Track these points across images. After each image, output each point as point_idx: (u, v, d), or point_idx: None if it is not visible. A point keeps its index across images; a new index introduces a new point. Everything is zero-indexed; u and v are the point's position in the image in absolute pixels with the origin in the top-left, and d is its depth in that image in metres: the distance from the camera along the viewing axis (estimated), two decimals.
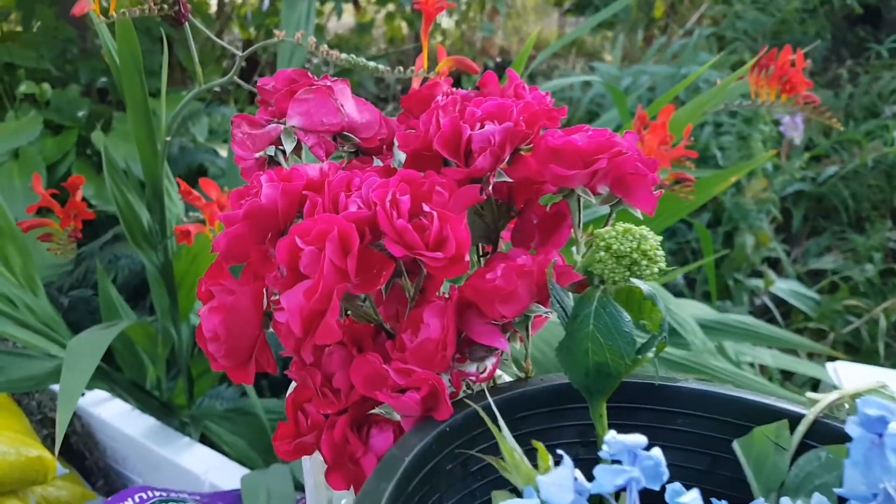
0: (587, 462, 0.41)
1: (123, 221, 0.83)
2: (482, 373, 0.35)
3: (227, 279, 0.34)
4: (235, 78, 0.59)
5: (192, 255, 0.98)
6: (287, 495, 0.96)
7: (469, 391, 0.37)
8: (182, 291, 1.03)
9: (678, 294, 1.93)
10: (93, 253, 1.43)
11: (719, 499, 0.40)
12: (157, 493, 0.98)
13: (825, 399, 0.38)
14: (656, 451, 0.28)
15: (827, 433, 0.37)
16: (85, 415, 1.08)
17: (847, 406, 0.39)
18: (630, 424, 0.40)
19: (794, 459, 0.37)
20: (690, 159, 0.87)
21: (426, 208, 0.33)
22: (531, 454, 0.38)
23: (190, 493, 0.99)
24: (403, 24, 2.57)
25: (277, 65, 1.14)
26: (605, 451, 0.28)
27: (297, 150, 0.41)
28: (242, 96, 1.89)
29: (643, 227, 0.35)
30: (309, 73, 0.44)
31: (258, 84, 0.44)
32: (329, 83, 0.41)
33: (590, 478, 0.41)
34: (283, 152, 0.43)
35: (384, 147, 0.46)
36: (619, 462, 0.29)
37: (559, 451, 0.40)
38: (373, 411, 0.35)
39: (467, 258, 0.33)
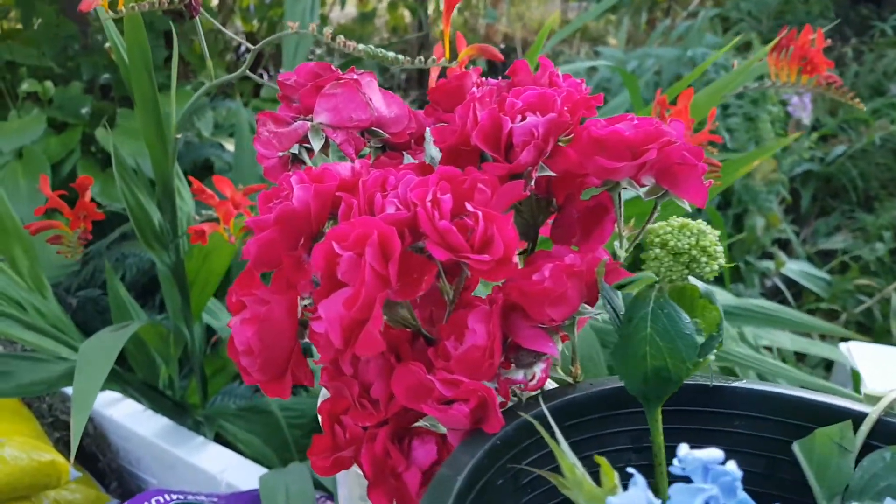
0: (640, 468, 0.39)
1: (134, 221, 0.81)
2: (531, 380, 0.33)
3: (259, 288, 0.32)
4: (247, 72, 0.56)
5: (205, 254, 0.96)
6: (307, 495, 0.94)
7: (516, 399, 0.35)
8: (194, 290, 1.02)
9: None
10: (100, 252, 1.41)
11: (778, 501, 0.39)
12: (174, 496, 0.96)
13: (888, 396, 0.36)
14: (732, 466, 0.26)
15: (891, 432, 0.35)
16: (97, 416, 1.07)
17: None
18: (684, 428, 0.38)
19: (857, 461, 0.35)
20: (712, 143, 0.85)
21: (469, 208, 0.31)
22: (583, 463, 0.37)
23: (207, 495, 0.98)
24: (406, 14, 2.54)
25: (283, 57, 1.12)
26: (677, 466, 0.27)
27: (325, 147, 0.39)
28: (247, 89, 1.87)
29: (700, 221, 0.33)
30: (333, 66, 0.42)
31: (279, 79, 0.42)
32: (356, 76, 0.39)
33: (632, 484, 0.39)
34: (308, 150, 0.40)
35: (412, 141, 0.43)
36: (689, 478, 0.27)
37: (619, 464, 0.39)
38: (417, 424, 0.33)
39: (515, 259, 0.31)
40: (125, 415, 1.06)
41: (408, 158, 0.41)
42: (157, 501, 0.96)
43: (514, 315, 0.34)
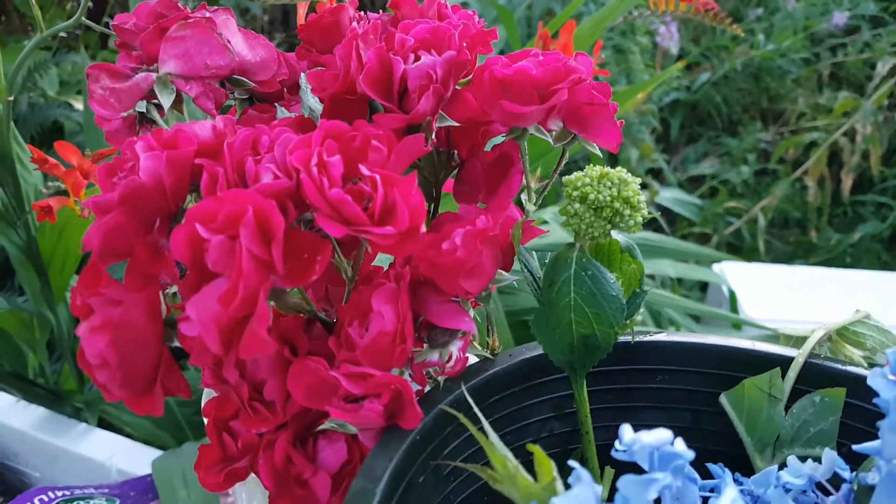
0: (562, 436, 0.37)
1: None
2: (447, 361, 0.29)
3: (108, 286, 0.26)
4: (83, 20, 0.47)
5: (58, 230, 0.85)
6: None
7: (432, 381, 0.31)
8: (53, 270, 0.91)
9: None
10: None
11: (705, 456, 0.37)
12: (60, 493, 0.88)
13: (811, 338, 0.35)
14: (681, 446, 0.23)
15: (818, 375, 0.34)
16: None
17: (830, 342, 0.36)
18: (605, 389, 0.35)
19: (786, 408, 0.34)
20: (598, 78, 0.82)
21: (365, 171, 0.26)
22: (508, 439, 0.33)
23: (97, 487, 0.90)
24: None
25: (129, 2, 1.00)
26: (621, 453, 0.23)
27: (178, 103, 0.32)
28: (94, 41, 1.68)
29: (620, 168, 0.30)
30: (179, 4, 0.35)
31: (114, 23, 0.34)
32: (209, 14, 0.32)
33: (563, 455, 0.36)
34: (158, 107, 0.34)
35: (285, 90, 0.37)
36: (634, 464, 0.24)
37: (543, 434, 0.36)
38: (322, 427, 0.28)
39: (422, 229, 0.26)
40: None
41: (282, 111, 0.35)
42: (41, 500, 0.87)
43: (423, 290, 0.30)
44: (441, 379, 0.30)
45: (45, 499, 0.86)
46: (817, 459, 0.33)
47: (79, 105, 1.52)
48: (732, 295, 1.50)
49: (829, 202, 2.24)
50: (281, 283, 0.26)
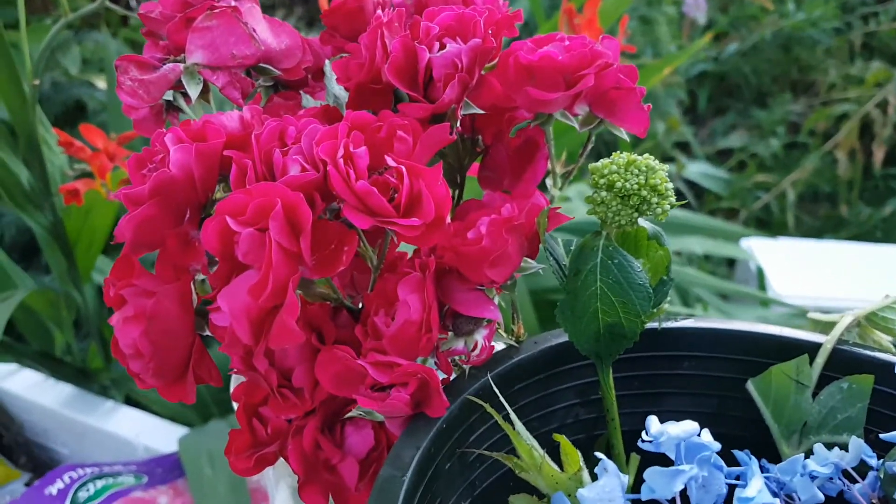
0: (587, 422, 0.37)
1: None
2: (473, 349, 0.30)
3: (140, 277, 0.27)
4: (107, 2, 0.48)
5: (85, 211, 0.87)
6: None
7: (457, 368, 0.31)
8: (79, 250, 0.92)
9: None
10: None
11: (731, 441, 0.37)
12: (89, 470, 0.90)
13: (840, 324, 0.35)
14: (707, 437, 0.23)
15: (846, 361, 0.34)
16: None
17: (859, 327, 0.36)
18: (631, 376, 0.35)
19: (813, 394, 0.34)
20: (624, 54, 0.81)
21: (390, 162, 0.26)
22: (528, 428, 0.34)
23: (125, 464, 0.93)
24: None
25: None
26: (648, 444, 0.24)
27: (204, 92, 0.32)
28: (115, 19, 1.69)
29: (647, 155, 0.29)
30: None
31: (141, 12, 0.35)
32: (234, 2, 0.32)
33: (588, 442, 0.36)
34: (184, 95, 0.34)
35: (309, 77, 0.37)
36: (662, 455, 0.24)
37: (568, 420, 0.36)
38: (350, 414, 0.29)
39: (447, 220, 0.26)
40: (24, 386, 0.98)
41: (307, 99, 0.35)
42: (71, 478, 0.90)
43: (448, 278, 0.30)
44: (466, 367, 0.30)
45: (74, 476, 0.89)
46: (844, 446, 0.32)
47: (102, 84, 1.53)
48: (760, 271, 1.48)
49: (860, 176, 2.20)
50: (309, 274, 0.26)
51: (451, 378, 0.30)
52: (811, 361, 0.34)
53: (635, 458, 0.34)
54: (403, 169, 0.26)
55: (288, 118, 0.29)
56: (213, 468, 0.90)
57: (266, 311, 0.25)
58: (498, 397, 0.30)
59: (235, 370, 0.31)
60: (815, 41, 2.41)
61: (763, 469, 0.33)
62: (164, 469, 0.91)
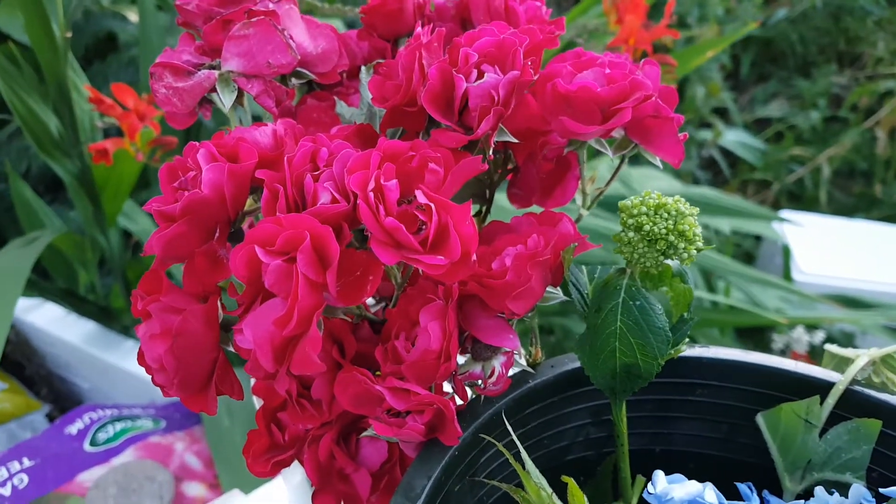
0: (598, 440, 0.38)
1: (28, 131, 0.72)
2: (490, 376, 0.30)
3: (168, 293, 0.27)
4: None
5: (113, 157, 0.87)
6: (248, 405, 0.93)
7: (471, 392, 0.32)
8: (106, 196, 0.94)
9: (631, 159, 1.91)
10: None
11: (737, 468, 0.38)
12: (109, 412, 0.93)
13: (854, 365, 0.35)
14: (710, 497, 0.24)
15: (856, 402, 0.34)
16: (17, 322, 1.01)
17: (873, 365, 0.36)
18: (643, 399, 0.36)
19: (822, 430, 0.34)
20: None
21: (421, 198, 0.26)
22: (538, 446, 0.34)
23: (143, 407, 0.95)
24: None
25: None
26: (652, 495, 0.24)
27: (238, 97, 0.32)
28: None
29: (678, 198, 0.29)
30: None
31: (178, 3, 0.34)
32: (272, 5, 0.32)
33: (598, 459, 0.37)
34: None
35: (343, 76, 0.37)
36: None
37: (579, 438, 0.37)
38: (365, 434, 0.30)
39: (473, 258, 0.26)
40: (47, 320, 1.01)
41: (340, 105, 0.35)
42: (91, 419, 0.93)
43: (470, 304, 0.30)
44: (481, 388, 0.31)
45: (95, 416, 0.92)
46: (845, 485, 0.33)
47: (133, 17, 1.52)
48: (786, 249, 1.47)
49: None
50: (333, 302, 0.27)
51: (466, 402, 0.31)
52: (822, 400, 0.34)
53: (640, 481, 0.34)
54: (433, 207, 0.26)
55: (321, 138, 0.29)
56: (230, 418, 0.92)
57: (289, 339, 0.26)
58: (510, 421, 0.31)
59: (255, 391, 0.32)
60: (866, 12, 2.32)
61: (765, 501, 0.33)
62: (183, 415, 0.93)
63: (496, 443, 0.27)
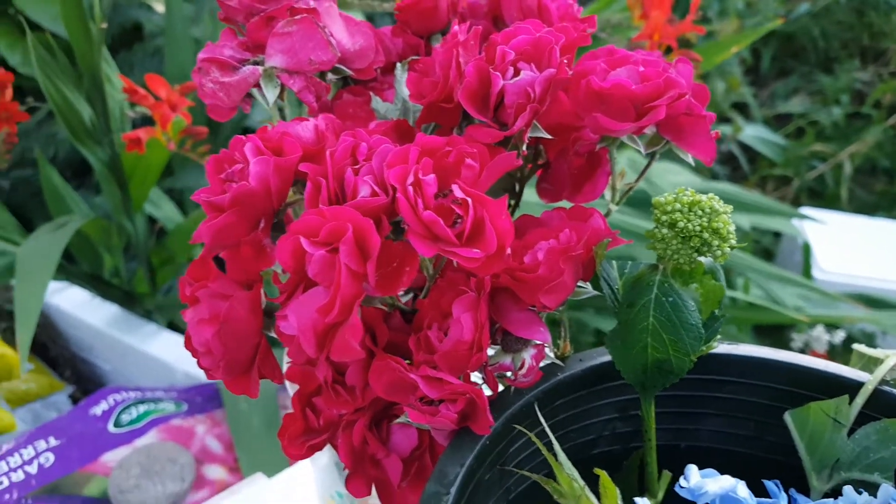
0: (624, 435, 0.38)
1: (62, 118, 0.73)
2: (520, 368, 0.31)
3: (215, 280, 0.28)
4: None
5: None
6: (268, 389, 0.94)
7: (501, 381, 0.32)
8: (133, 183, 0.95)
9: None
10: (27, 131, 1.30)
11: (763, 465, 0.38)
12: (132, 394, 0.95)
13: (884, 364, 0.35)
14: (743, 492, 0.24)
15: (886, 402, 0.34)
16: (43, 305, 1.03)
17: None
18: (671, 395, 0.36)
19: (850, 430, 0.34)
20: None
21: (458, 193, 0.27)
22: (565, 439, 0.35)
23: (166, 390, 0.97)
24: None
25: None
26: (684, 489, 0.25)
27: (280, 92, 0.33)
28: None
29: (712, 196, 0.30)
30: None
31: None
32: (313, 3, 0.33)
33: (623, 454, 0.38)
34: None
35: (378, 72, 0.38)
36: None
37: (605, 432, 0.37)
38: (398, 421, 0.31)
39: (508, 251, 0.27)
40: (73, 303, 1.02)
41: (375, 100, 0.35)
42: (115, 400, 0.94)
43: (501, 296, 0.31)
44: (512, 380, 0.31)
45: (119, 398, 0.93)
46: (872, 485, 0.33)
47: (160, 7, 1.53)
48: (806, 247, 1.46)
49: None
50: (371, 292, 0.27)
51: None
52: (851, 399, 0.34)
53: (666, 476, 0.35)
54: (470, 201, 0.26)
55: (360, 133, 0.29)
56: (248, 403, 0.93)
57: (331, 325, 0.26)
58: (541, 412, 0.32)
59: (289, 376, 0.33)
60: (890, 7, 2.29)
61: (793, 500, 0.34)
62: (204, 398, 0.95)
63: (528, 433, 0.28)
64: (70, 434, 0.85)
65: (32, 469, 0.77)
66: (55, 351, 1.10)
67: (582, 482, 0.26)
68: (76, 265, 1.16)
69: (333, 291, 0.25)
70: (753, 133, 2.18)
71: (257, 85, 0.31)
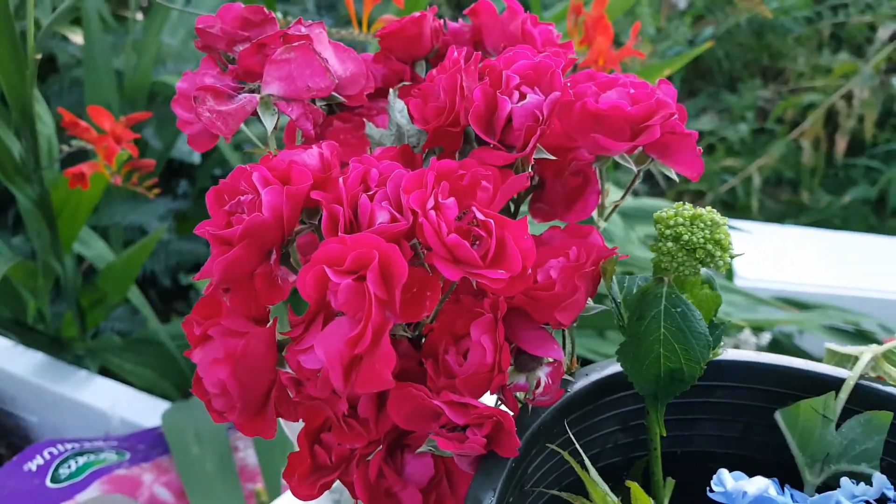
0: (625, 446, 0.39)
1: None
2: (536, 387, 0.31)
3: (227, 317, 0.27)
4: None
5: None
6: (218, 429, 0.90)
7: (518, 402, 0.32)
8: (63, 221, 0.91)
9: None
10: None
11: (752, 464, 0.40)
12: (70, 446, 0.90)
13: (861, 360, 0.37)
14: (772, 491, 0.25)
15: (866, 396, 0.36)
16: None
17: (874, 360, 0.38)
18: (668, 404, 0.37)
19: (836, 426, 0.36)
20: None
21: (479, 215, 0.27)
22: (577, 453, 0.35)
23: (105, 440, 0.92)
24: None
25: None
26: (718, 493, 0.25)
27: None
28: None
29: (710, 209, 0.31)
30: (265, 8, 0.35)
31: (199, 26, 0.34)
32: (304, 29, 0.32)
33: (625, 465, 0.38)
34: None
35: (367, 99, 0.37)
36: None
37: (608, 445, 0.38)
38: (420, 450, 0.30)
39: (530, 271, 0.27)
40: None
41: (370, 126, 0.35)
42: (51, 454, 0.89)
43: (513, 315, 0.31)
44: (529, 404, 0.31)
45: (55, 451, 0.88)
46: (860, 475, 0.35)
47: (76, 38, 1.47)
48: None
49: (823, 164, 2.27)
50: (395, 320, 0.27)
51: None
52: (835, 395, 0.36)
53: (671, 483, 0.36)
54: (492, 223, 0.27)
55: (369, 159, 0.29)
56: (199, 445, 0.90)
57: (358, 357, 0.26)
58: (554, 429, 0.32)
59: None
60: (786, 29, 2.45)
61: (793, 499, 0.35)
62: (147, 445, 0.90)
63: (561, 451, 0.28)
64: (4, 492, 0.79)
65: None
66: None
67: (615, 498, 0.27)
68: None
69: (364, 321, 0.25)
70: None
71: (254, 113, 0.31)
